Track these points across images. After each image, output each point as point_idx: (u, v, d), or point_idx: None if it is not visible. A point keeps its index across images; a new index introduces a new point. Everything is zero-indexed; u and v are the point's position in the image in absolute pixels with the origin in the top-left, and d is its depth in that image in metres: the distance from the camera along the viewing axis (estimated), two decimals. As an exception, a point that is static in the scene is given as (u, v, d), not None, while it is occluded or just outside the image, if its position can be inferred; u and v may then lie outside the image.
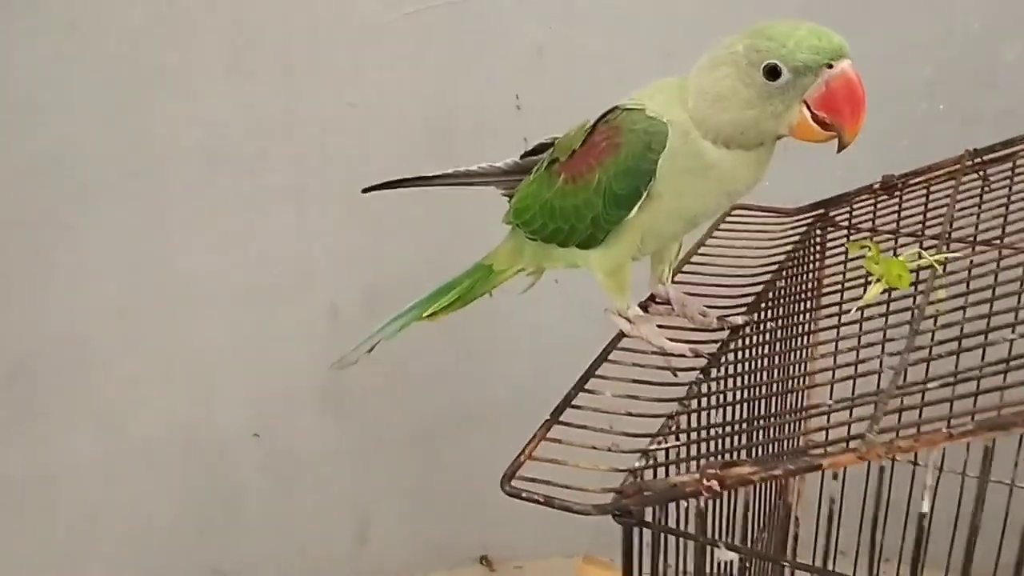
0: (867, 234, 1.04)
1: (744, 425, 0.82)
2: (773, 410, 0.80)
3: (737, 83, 0.79)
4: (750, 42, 0.78)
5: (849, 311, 0.88)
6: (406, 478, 1.52)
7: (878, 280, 0.88)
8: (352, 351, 1.01)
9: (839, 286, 0.96)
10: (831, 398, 0.79)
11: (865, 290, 0.90)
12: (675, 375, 0.88)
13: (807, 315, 0.95)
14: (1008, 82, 1.30)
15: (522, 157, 0.98)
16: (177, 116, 1.32)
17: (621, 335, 0.94)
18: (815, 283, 1.03)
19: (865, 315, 0.87)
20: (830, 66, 0.77)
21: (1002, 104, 1.31)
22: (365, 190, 1.01)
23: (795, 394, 0.98)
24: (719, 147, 0.82)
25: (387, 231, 1.38)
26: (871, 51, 1.27)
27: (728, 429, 0.80)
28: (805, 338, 0.91)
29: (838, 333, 0.88)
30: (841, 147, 0.80)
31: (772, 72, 0.77)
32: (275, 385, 1.43)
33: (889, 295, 0.88)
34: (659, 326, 0.93)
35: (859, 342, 0.82)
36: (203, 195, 1.35)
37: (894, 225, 1.06)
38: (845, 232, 1.08)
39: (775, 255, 1.08)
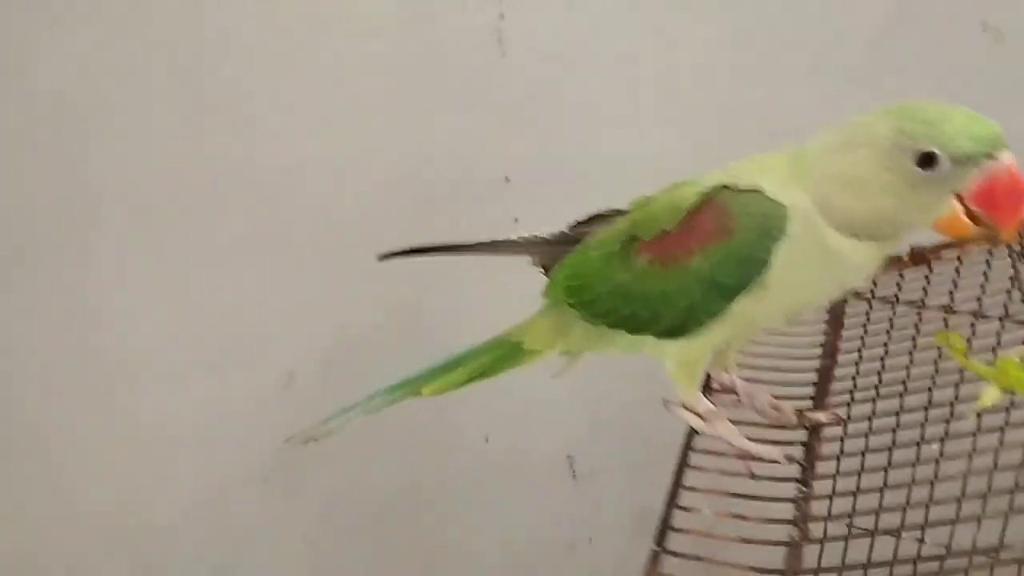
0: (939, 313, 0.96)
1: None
2: (952, 546, 0.69)
3: (879, 168, 0.70)
4: (896, 124, 0.69)
5: (963, 416, 0.80)
6: (360, 564, 1.36)
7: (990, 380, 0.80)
8: (319, 425, 0.91)
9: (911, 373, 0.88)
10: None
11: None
12: (753, 477, 0.80)
13: (912, 414, 0.84)
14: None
15: (572, 228, 0.88)
16: (117, 159, 1.14)
17: (692, 434, 0.84)
18: (881, 368, 0.94)
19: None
20: (989, 156, 0.68)
21: None
22: (382, 257, 0.90)
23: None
24: (845, 236, 0.73)
25: (351, 288, 1.22)
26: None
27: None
28: (918, 447, 0.81)
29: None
30: (993, 243, 0.72)
31: (927, 160, 0.68)
32: (219, 462, 1.24)
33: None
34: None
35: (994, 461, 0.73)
36: (145, 250, 1.17)
37: (946, 300, 0.98)
38: (890, 306, 1.02)
39: (813, 333, 1.00)
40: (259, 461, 1.25)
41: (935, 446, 0.78)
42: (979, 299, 0.94)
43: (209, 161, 1.16)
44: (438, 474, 1.32)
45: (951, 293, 0.96)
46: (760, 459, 0.80)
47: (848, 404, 0.87)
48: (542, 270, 0.90)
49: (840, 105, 1.23)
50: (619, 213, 0.85)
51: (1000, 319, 0.92)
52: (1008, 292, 0.94)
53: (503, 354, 0.89)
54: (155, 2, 1.12)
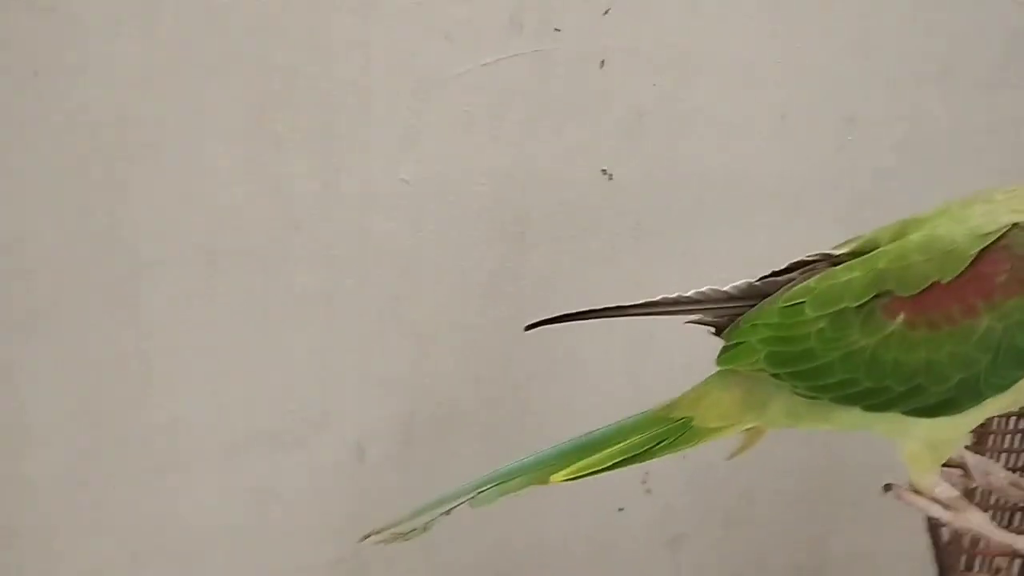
0: None
1: None
2: None
3: None
4: None
5: None
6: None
7: None
8: (408, 519, 0.76)
9: None
10: None
11: None
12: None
13: None
14: None
15: (761, 279, 0.73)
16: (163, 198, 0.95)
17: (937, 531, 0.69)
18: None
19: None
20: None
21: None
22: (529, 327, 0.76)
23: None
24: None
25: (433, 347, 1.06)
26: (1011, 115, 1.10)
27: None
28: None
29: None
30: None
31: None
32: (280, 562, 1.07)
33: None
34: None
35: None
36: (196, 308, 0.98)
37: None
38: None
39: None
40: (328, 553, 1.08)
41: None
42: None
43: (281, 196, 0.99)
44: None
45: None
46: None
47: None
48: (713, 330, 0.75)
49: (972, 112, 1.16)
50: (830, 259, 0.71)
51: None
52: None
53: (665, 433, 0.74)
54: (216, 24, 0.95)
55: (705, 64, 1.04)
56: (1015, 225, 0.61)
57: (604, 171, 1.04)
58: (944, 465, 0.73)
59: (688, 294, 0.73)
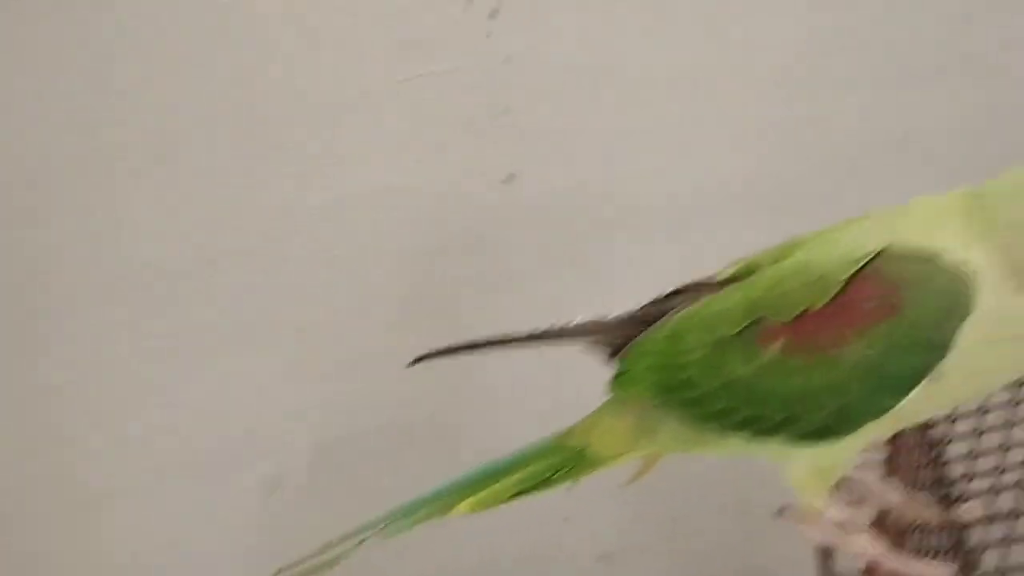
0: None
1: None
2: None
3: None
4: None
5: None
6: None
7: None
8: (320, 553, 0.73)
9: None
10: None
11: None
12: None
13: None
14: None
15: (648, 305, 0.72)
16: (70, 230, 0.94)
17: (826, 557, 0.68)
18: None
19: None
20: None
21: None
22: (413, 362, 0.74)
23: None
24: None
25: (346, 370, 1.04)
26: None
27: None
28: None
29: None
30: None
31: None
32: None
33: None
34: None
35: None
36: (108, 340, 0.97)
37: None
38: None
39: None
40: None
41: None
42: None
43: (190, 221, 0.97)
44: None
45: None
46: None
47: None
48: (607, 356, 0.73)
49: (891, 117, 1.14)
50: (713, 285, 0.69)
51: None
52: None
53: (561, 462, 0.73)
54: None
55: (623, 76, 1.02)
56: (884, 249, 0.60)
57: (509, 176, 1.02)
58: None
59: (574, 323, 0.71)
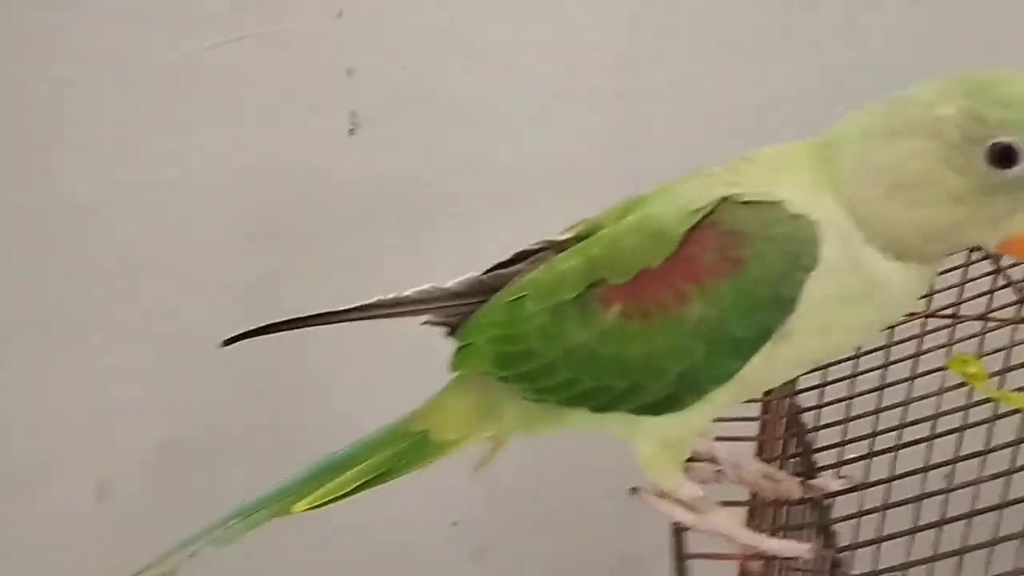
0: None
1: None
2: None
3: (940, 166, 0.51)
4: (968, 104, 0.50)
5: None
6: None
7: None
8: (156, 564, 0.67)
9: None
10: None
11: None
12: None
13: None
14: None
15: (488, 272, 0.65)
16: None
17: (680, 533, 0.63)
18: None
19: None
20: None
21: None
22: (226, 342, 0.66)
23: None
24: (886, 256, 0.53)
25: (183, 361, 0.96)
26: (788, 85, 1.04)
27: None
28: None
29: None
30: None
31: (1004, 156, 0.50)
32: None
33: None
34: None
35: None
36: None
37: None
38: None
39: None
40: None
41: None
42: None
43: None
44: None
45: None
46: (776, 557, 0.61)
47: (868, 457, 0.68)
48: (448, 332, 0.67)
49: (748, 86, 1.11)
50: (556, 246, 0.64)
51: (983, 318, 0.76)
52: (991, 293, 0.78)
53: (404, 450, 0.66)
54: None
55: (461, 44, 0.97)
56: (724, 199, 0.55)
57: (349, 130, 0.95)
58: (697, 463, 0.69)
59: (408, 294, 0.65)
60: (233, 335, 0.65)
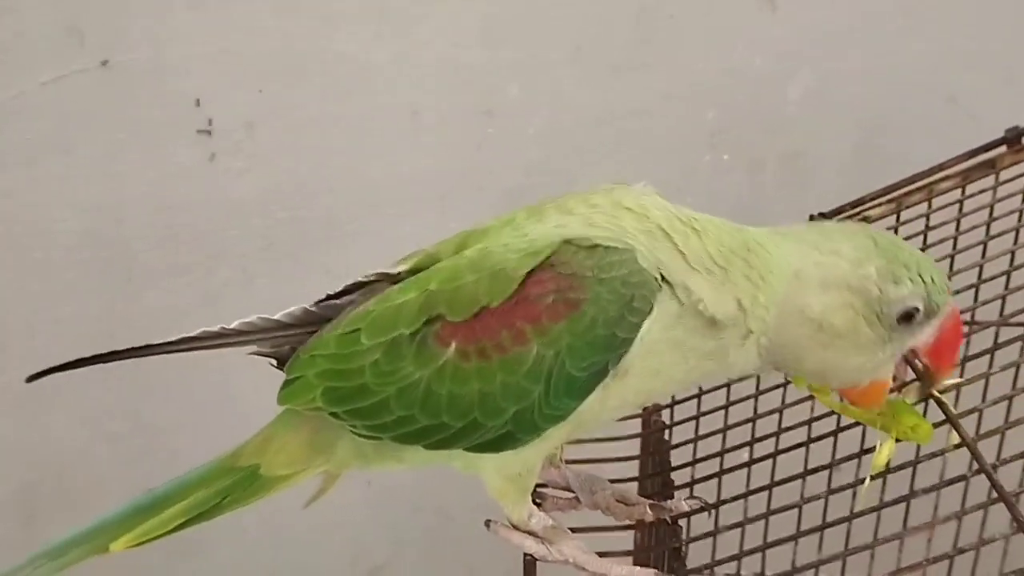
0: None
1: None
2: None
3: (859, 318, 0.58)
4: (884, 265, 0.58)
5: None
6: None
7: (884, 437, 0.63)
8: None
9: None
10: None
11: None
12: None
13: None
14: (793, 123, 1.13)
15: (318, 303, 0.64)
16: None
17: (532, 566, 0.63)
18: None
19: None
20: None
21: (786, 147, 1.14)
22: (30, 379, 0.63)
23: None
24: (760, 360, 0.59)
25: (47, 400, 0.93)
26: (650, 95, 1.08)
27: None
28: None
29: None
30: (923, 395, 0.63)
31: (907, 316, 0.58)
32: None
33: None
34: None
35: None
36: None
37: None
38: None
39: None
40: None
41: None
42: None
43: None
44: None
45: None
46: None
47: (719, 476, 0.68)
48: (276, 364, 0.64)
49: (610, 95, 1.11)
50: (390, 278, 0.62)
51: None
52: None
53: (232, 485, 0.64)
54: None
55: (315, 65, 0.95)
56: (565, 242, 0.56)
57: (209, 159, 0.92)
58: (550, 490, 0.68)
59: (234, 325, 0.63)
60: (35, 372, 0.63)
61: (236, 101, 0.92)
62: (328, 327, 0.62)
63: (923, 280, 0.58)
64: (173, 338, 0.62)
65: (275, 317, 0.63)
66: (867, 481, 0.62)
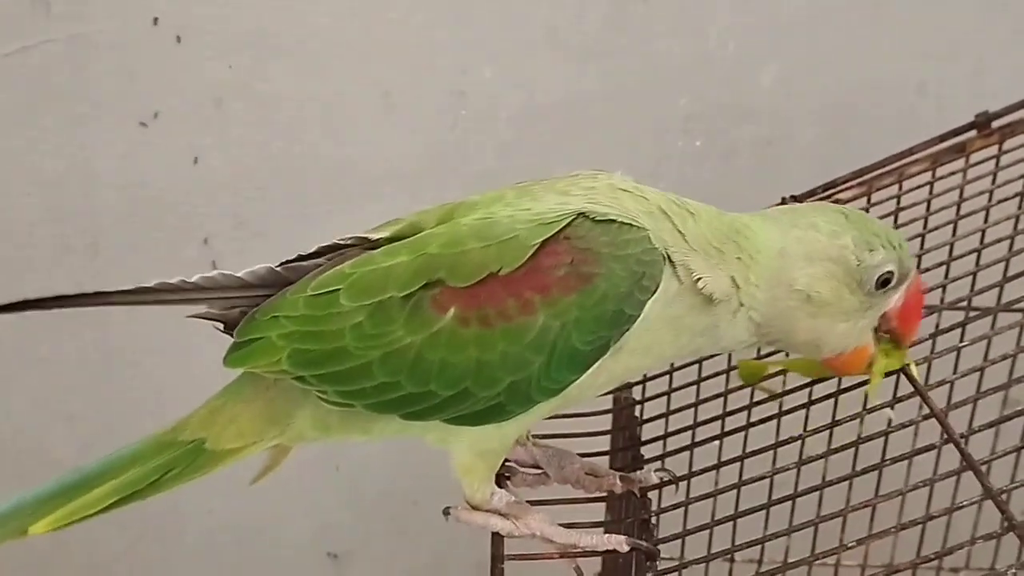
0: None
1: None
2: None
3: (841, 286, 0.60)
4: (858, 235, 0.60)
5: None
6: None
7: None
8: None
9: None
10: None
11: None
12: (581, 576, 0.60)
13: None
14: (765, 109, 1.14)
15: (283, 264, 0.62)
16: None
17: (499, 543, 0.62)
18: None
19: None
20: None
21: (759, 133, 1.14)
22: None
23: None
24: (751, 333, 0.60)
25: (7, 379, 0.91)
26: (623, 80, 1.09)
27: None
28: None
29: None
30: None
31: (884, 282, 0.61)
32: None
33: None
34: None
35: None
36: None
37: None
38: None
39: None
40: None
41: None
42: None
43: None
44: None
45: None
46: (595, 552, 0.60)
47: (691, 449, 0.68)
48: (222, 327, 0.62)
49: (583, 79, 1.11)
50: (366, 243, 0.60)
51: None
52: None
53: (172, 461, 0.62)
54: None
55: (286, 44, 0.94)
56: (580, 215, 0.56)
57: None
58: (517, 467, 0.68)
59: (193, 279, 0.60)
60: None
61: (205, 77, 0.91)
62: (290, 289, 0.60)
63: (893, 246, 0.60)
64: (129, 287, 0.59)
65: (238, 275, 0.60)
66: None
